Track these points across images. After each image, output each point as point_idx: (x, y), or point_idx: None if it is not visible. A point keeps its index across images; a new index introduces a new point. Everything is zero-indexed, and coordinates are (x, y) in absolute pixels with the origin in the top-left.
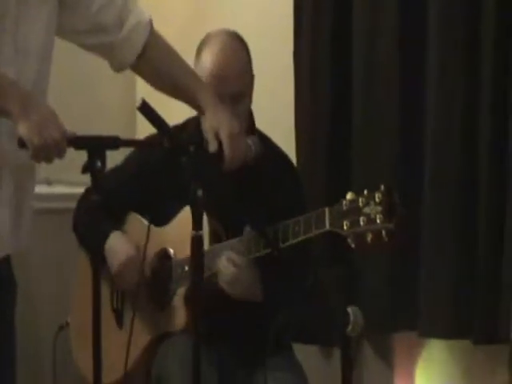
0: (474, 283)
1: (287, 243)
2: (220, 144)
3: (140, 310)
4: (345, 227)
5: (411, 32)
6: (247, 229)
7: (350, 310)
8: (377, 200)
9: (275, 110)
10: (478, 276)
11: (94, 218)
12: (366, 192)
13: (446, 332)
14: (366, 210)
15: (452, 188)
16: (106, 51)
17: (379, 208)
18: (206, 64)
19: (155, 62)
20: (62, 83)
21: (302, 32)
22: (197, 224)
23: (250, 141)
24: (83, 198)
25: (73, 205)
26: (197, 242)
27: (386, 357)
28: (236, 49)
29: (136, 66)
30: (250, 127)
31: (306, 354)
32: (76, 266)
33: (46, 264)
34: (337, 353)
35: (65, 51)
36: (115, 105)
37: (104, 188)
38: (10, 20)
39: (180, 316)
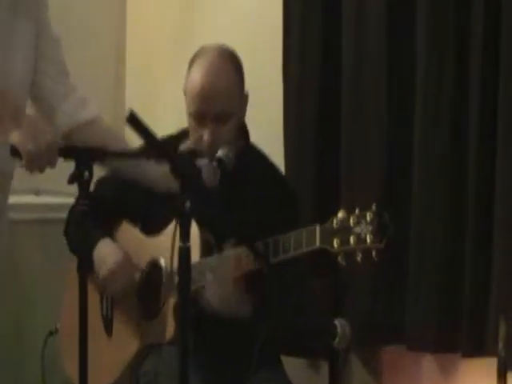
0: (462, 295)
1: (277, 259)
2: None
3: (129, 318)
4: (335, 245)
5: (399, 49)
6: (230, 241)
7: (337, 322)
8: (368, 219)
9: (263, 124)
10: (466, 288)
11: (84, 225)
12: (357, 211)
13: (435, 345)
14: (357, 229)
15: (439, 202)
16: (48, 111)
17: (370, 227)
18: (192, 82)
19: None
20: None
21: (291, 47)
22: (184, 236)
23: (221, 152)
24: (75, 206)
25: (61, 215)
26: (184, 253)
27: (374, 370)
28: (225, 69)
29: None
30: (243, 143)
31: (293, 366)
32: (66, 275)
33: (35, 274)
34: (324, 366)
35: None
36: (103, 117)
37: (96, 196)
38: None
39: (168, 327)
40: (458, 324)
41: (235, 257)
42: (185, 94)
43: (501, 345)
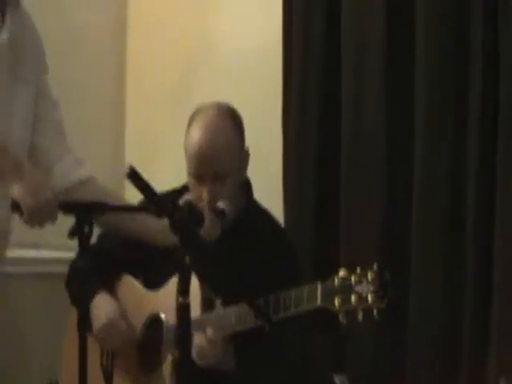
0: (462, 348)
1: (278, 316)
2: None
3: (129, 370)
4: (336, 304)
5: (398, 101)
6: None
7: (336, 378)
8: (369, 279)
9: (263, 178)
10: (465, 341)
11: (84, 278)
12: (358, 270)
13: None
14: (358, 288)
15: (438, 261)
16: (43, 171)
17: (371, 287)
18: (191, 142)
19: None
20: None
21: (291, 100)
22: (184, 291)
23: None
24: (76, 260)
25: (61, 269)
26: (184, 309)
27: None
28: (223, 127)
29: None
30: (244, 199)
31: None
32: (66, 327)
33: (34, 327)
34: None
35: None
36: (103, 172)
37: (99, 249)
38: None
39: (168, 382)
40: (457, 377)
41: (236, 314)
42: (185, 152)
43: None
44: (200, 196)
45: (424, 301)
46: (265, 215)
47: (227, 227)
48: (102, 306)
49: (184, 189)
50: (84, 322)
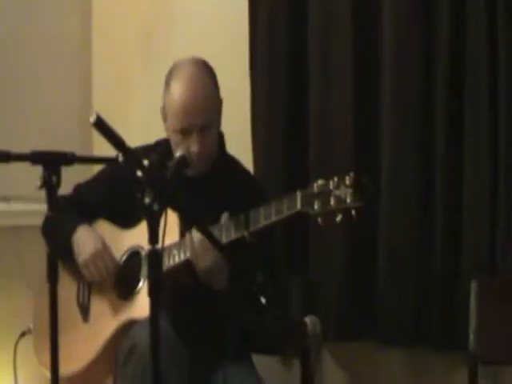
0: (432, 290)
1: (258, 225)
2: None
3: (106, 301)
4: (315, 207)
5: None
6: (225, 215)
7: (307, 319)
8: (347, 183)
9: (232, 125)
10: (436, 282)
11: (64, 215)
12: (335, 177)
13: (406, 340)
14: (337, 192)
15: (408, 196)
16: None
17: (350, 190)
18: (174, 97)
19: None
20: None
21: (258, 57)
22: (153, 238)
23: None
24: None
25: (31, 221)
26: (154, 256)
27: (346, 366)
28: (203, 79)
29: None
30: (220, 151)
31: (265, 364)
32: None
33: (7, 279)
34: (297, 363)
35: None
36: (71, 120)
37: (74, 196)
38: None
39: (145, 304)
40: (428, 318)
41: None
42: (164, 110)
43: (471, 337)
44: (187, 150)
45: (393, 238)
46: (237, 164)
47: (201, 176)
48: (88, 237)
49: (157, 145)
50: (54, 272)
